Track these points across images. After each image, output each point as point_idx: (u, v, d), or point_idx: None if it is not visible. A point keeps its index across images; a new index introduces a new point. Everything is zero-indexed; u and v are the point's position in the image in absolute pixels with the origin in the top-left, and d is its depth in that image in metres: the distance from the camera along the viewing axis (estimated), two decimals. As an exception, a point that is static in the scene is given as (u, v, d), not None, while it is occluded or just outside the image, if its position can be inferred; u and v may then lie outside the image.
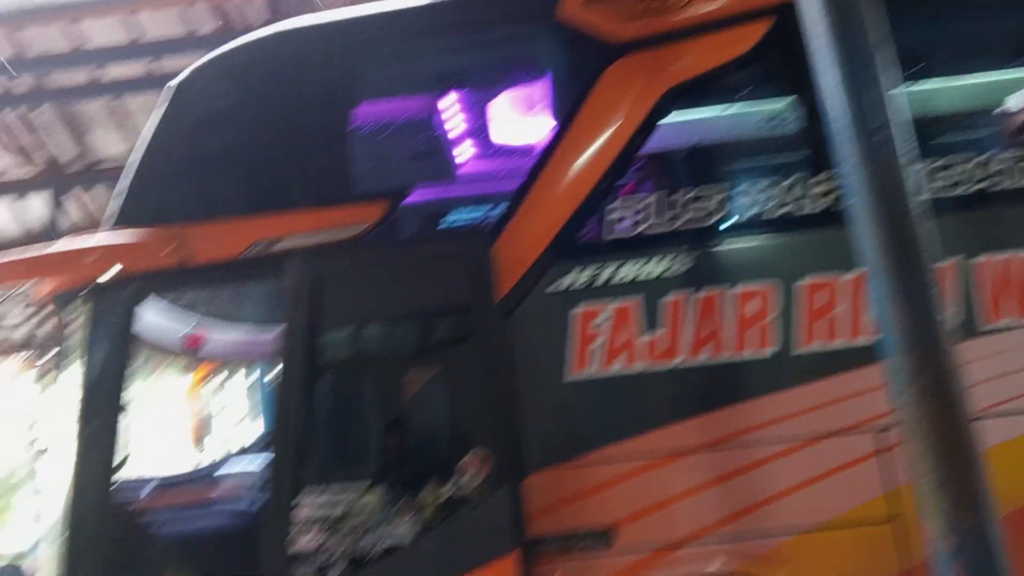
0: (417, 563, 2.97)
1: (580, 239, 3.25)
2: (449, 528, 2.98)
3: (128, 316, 3.26)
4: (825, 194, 3.12)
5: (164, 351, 4.55)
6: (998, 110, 3.37)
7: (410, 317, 3.45)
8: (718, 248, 3.18)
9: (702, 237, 3.18)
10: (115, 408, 3.23)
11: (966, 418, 2.11)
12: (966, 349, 2.51)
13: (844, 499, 2.96)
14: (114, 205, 3.45)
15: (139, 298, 3.30)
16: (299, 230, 3.26)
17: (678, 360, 3.08)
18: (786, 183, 3.16)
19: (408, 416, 3.47)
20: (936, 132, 3.28)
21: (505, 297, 3.15)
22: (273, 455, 3.10)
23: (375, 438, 3.42)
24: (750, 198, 3.20)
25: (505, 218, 3.28)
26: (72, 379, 3.26)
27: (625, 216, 3.21)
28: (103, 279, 3.22)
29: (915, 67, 3.20)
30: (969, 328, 3.00)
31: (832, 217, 3.02)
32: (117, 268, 3.18)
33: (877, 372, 2.65)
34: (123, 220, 3.38)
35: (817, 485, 2.97)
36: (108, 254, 3.21)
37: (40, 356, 13.80)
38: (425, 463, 3.23)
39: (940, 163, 3.11)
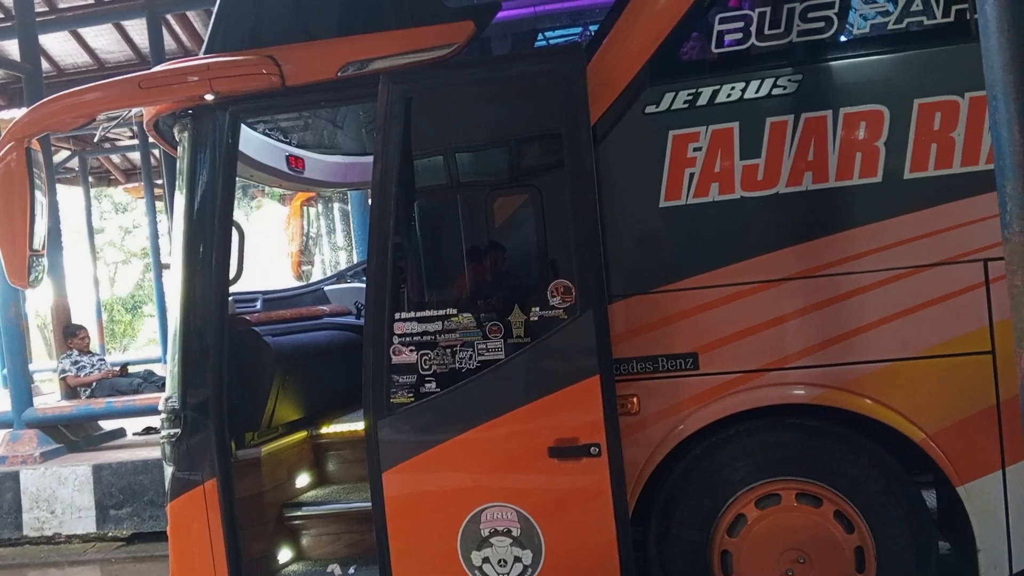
0: (508, 378, 3.11)
1: (680, 56, 3.08)
2: (537, 348, 3.08)
3: (231, 136, 3.35)
4: (950, 5, 2.83)
5: (268, 173, 4.71)
6: None
7: (502, 139, 3.43)
8: (829, 66, 2.97)
9: (810, 54, 2.96)
10: (225, 225, 3.40)
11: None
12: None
13: (942, 331, 2.89)
14: (211, 27, 3.47)
15: (239, 119, 3.38)
16: (390, 51, 3.21)
17: (777, 187, 2.98)
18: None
19: (500, 239, 3.52)
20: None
21: (600, 118, 3.06)
22: (371, 276, 3.22)
23: (468, 261, 3.50)
24: (866, 9, 2.93)
25: (601, 34, 3.13)
26: (183, 200, 3.42)
27: (728, 30, 3.01)
28: (204, 101, 3.30)
29: None
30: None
31: (953, 31, 2.77)
32: (216, 90, 3.24)
33: (986, 201, 2.49)
34: (220, 43, 3.41)
35: (914, 316, 2.90)
36: (206, 75, 3.25)
37: (154, 179, 14.53)
38: (516, 287, 3.31)
39: None
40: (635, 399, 3.08)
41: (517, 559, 3.08)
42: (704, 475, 3.11)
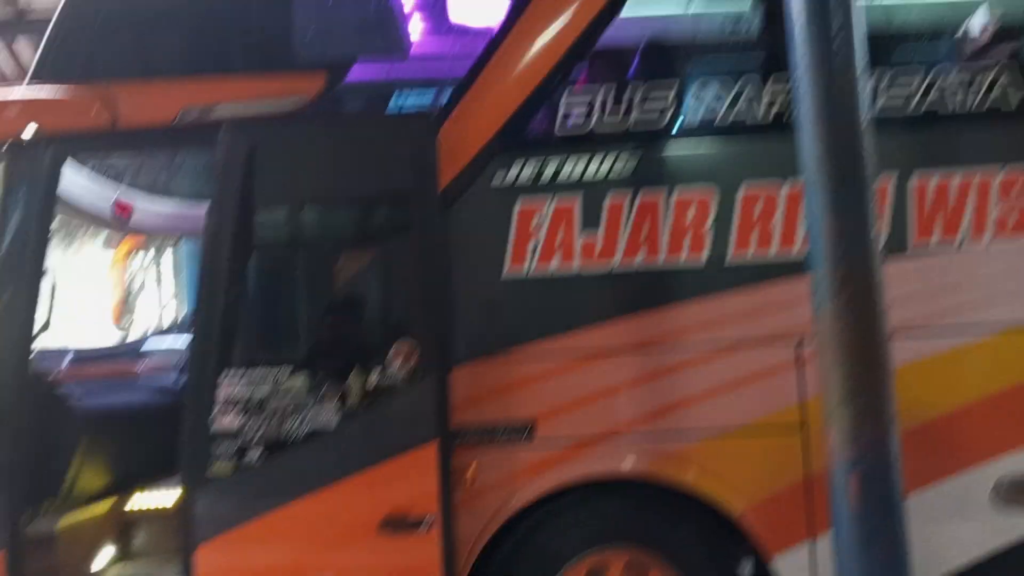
0: (338, 448, 2.99)
1: (527, 131, 3.17)
2: (372, 415, 2.99)
3: (50, 176, 3.10)
4: (772, 101, 3.09)
5: (90, 218, 4.39)
6: (959, 31, 3.34)
7: (347, 199, 3.37)
8: (664, 149, 3.14)
9: (649, 137, 3.13)
10: (35, 273, 3.12)
11: (882, 335, 2.16)
12: (893, 267, 2.55)
13: (756, 407, 3.04)
14: (39, 56, 3.23)
15: (61, 158, 3.14)
16: (235, 98, 3.11)
17: (613, 261, 3.08)
18: (736, 87, 3.11)
19: (339, 301, 3.43)
20: (891, 47, 3.23)
21: (448, 185, 3.08)
22: (198, 333, 3.04)
23: (304, 322, 3.38)
24: (699, 101, 3.15)
25: (452, 103, 3.17)
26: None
27: (574, 111, 3.14)
28: (22, 136, 3.04)
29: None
30: (899, 246, 3.05)
31: (776, 125, 3.01)
32: (36, 125, 3.00)
33: (802, 284, 2.69)
34: (46, 74, 3.17)
35: (732, 392, 3.04)
36: (27, 109, 3.02)
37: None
38: (353, 350, 3.22)
39: (890, 77, 3.09)
40: (471, 468, 3.03)
41: None
42: (535, 548, 3.07)
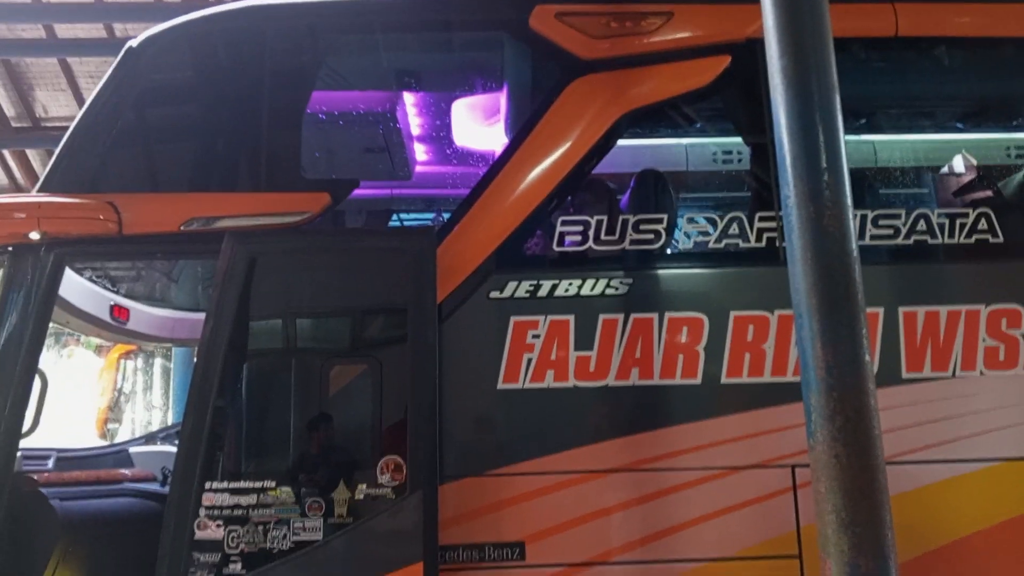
0: (323, 562, 2.91)
1: (523, 250, 3.25)
2: (358, 530, 2.92)
3: (51, 279, 3.14)
4: (762, 232, 3.18)
5: (87, 321, 4.41)
6: (942, 170, 3.49)
7: (345, 309, 3.41)
8: (656, 274, 3.21)
9: (642, 262, 3.20)
10: (28, 372, 3.12)
11: (877, 462, 2.15)
12: (886, 396, 2.57)
13: (753, 533, 2.99)
14: (51, 166, 3.33)
15: (64, 262, 3.19)
16: (239, 212, 3.19)
17: (607, 380, 3.09)
18: (728, 218, 3.21)
19: (331, 412, 3.40)
20: (877, 184, 3.37)
21: (446, 298, 3.12)
22: (184, 440, 3.01)
23: (294, 431, 3.34)
24: (692, 229, 3.24)
25: (453, 221, 3.26)
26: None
27: (570, 233, 3.22)
28: (28, 238, 3.10)
29: (863, 119, 3.31)
30: (891, 375, 3.08)
31: (767, 255, 3.09)
32: (43, 230, 3.06)
33: (796, 410, 2.70)
34: (58, 183, 3.26)
35: (727, 517, 3.00)
36: (35, 214, 3.08)
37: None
38: (341, 463, 3.17)
39: (877, 213, 3.20)
40: None
41: None
42: None
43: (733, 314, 3.13)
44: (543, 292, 3.14)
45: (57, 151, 3.32)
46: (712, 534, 2.99)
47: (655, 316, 3.13)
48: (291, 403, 3.37)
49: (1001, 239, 3.19)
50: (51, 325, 3.31)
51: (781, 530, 2.98)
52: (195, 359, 3.12)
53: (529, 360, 3.11)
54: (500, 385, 3.09)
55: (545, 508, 3.01)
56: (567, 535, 2.99)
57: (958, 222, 3.18)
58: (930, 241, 3.18)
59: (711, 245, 3.22)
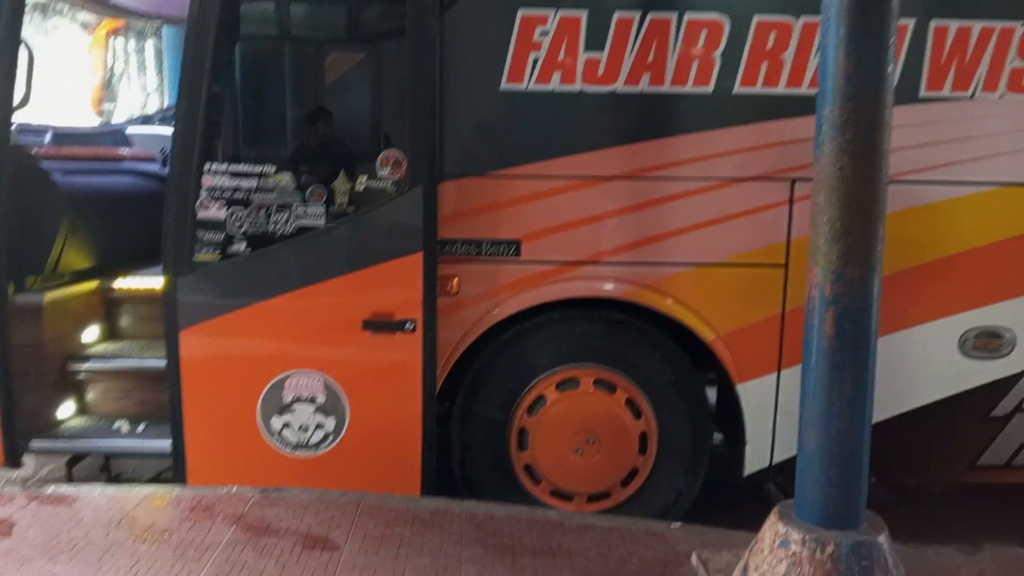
0: (326, 247, 3.01)
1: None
2: (360, 219, 3.00)
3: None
4: None
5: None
6: None
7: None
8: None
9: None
10: (12, 41, 2.99)
11: (881, 176, 2.14)
12: (901, 113, 2.50)
13: (742, 242, 3.08)
14: None
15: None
16: None
17: (615, 85, 2.99)
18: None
19: (328, 102, 3.31)
20: None
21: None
22: (180, 122, 2.96)
23: (291, 119, 3.28)
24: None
25: None
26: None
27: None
28: None
29: None
30: (910, 92, 2.98)
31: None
32: None
33: (805, 124, 2.64)
34: None
35: (720, 225, 3.06)
36: None
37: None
38: (342, 152, 3.16)
39: None
40: (455, 280, 3.08)
41: (319, 426, 3.07)
42: (511, 358, 3.20)
43: (757, 18, 2.94)
44: None
45: None
46: (703, 241, 3.07)
47: (673, 17, 2.94)
48: (287, 90, 3.27)
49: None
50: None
51: (771, 240, 3.06)
52: (185, 39, 2.98)
53: (535, 60, 2.97)
54: (504, 85, 2.99)
55: (542, 210, 3.06)
56: (562, 236, 3.07)
57: None
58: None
59: None
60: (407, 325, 2.97)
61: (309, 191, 2.98)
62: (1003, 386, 3.16)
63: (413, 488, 3.09)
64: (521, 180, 3.05)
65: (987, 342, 3.13)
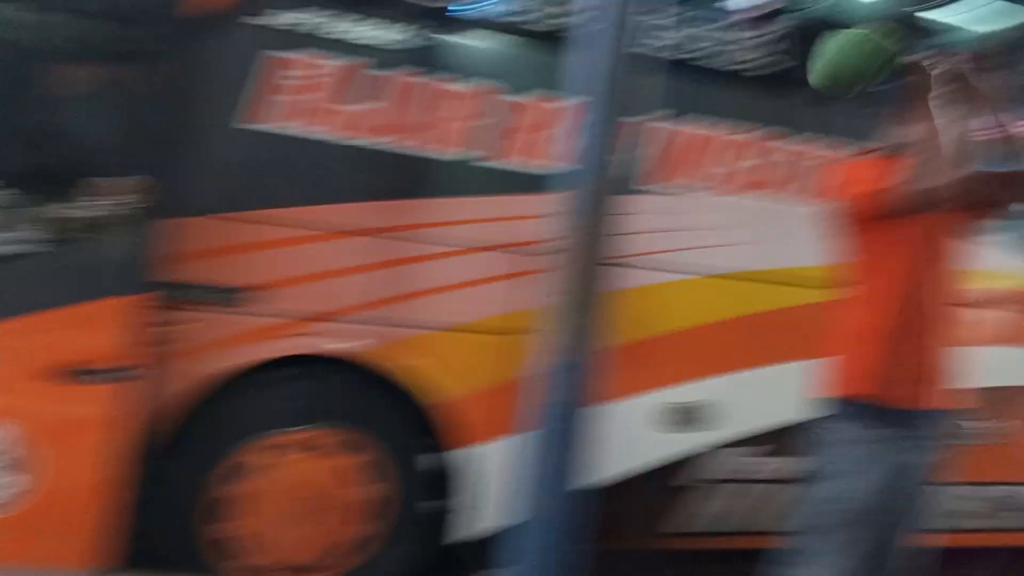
0: (25, 276, 2.65)
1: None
2: (73, 251, 2.68)
3: None
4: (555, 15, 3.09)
5: None
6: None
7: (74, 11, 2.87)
8: (442, 34, 3.04)
9: (430, 16, 3.01)
10: None
11: (605, 258, 2.30)
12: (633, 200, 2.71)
13: (475, 308, 3.13)
14: None
15: None
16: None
17: (365, 137, 2.96)
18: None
19: (54, 119, 2.96)
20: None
21: (189, 16, 2.75)
22: None
23: (12, 133, 2.88)
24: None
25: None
26: None
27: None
28: None
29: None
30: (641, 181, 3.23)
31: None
32: None
33: (547, 200, 2.78)
34: None
35: (458, 291, 3.10)
36: None
37: None
38: (62, 175, 2.81)
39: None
40: (177, 327, 2.81)
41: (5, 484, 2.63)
42: (218, 418, 2.93)
43: (515, 95, 3.08)
44: (309, 28, 2.86)
45: None
46: (436, 305, 3.08)
47: (431, 80, 2.99)
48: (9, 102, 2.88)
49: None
50: None
51: (503, 308, 3.13)
52: None
53: (283, 100, 2.87)
54: (242, 123, 2.85)
55: (282, 259, 2.92)
56: (300, 288, 2.95)
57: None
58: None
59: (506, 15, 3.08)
60: (115, 374, 2.64)
61: (20, 212, 2.61)
62: (691, 458, 3.43)
63: (103, 560, 2.72)
64: (261, 225, 2.89)
65: (684, 416, 3.42)
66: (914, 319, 2.29)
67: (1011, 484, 3.94)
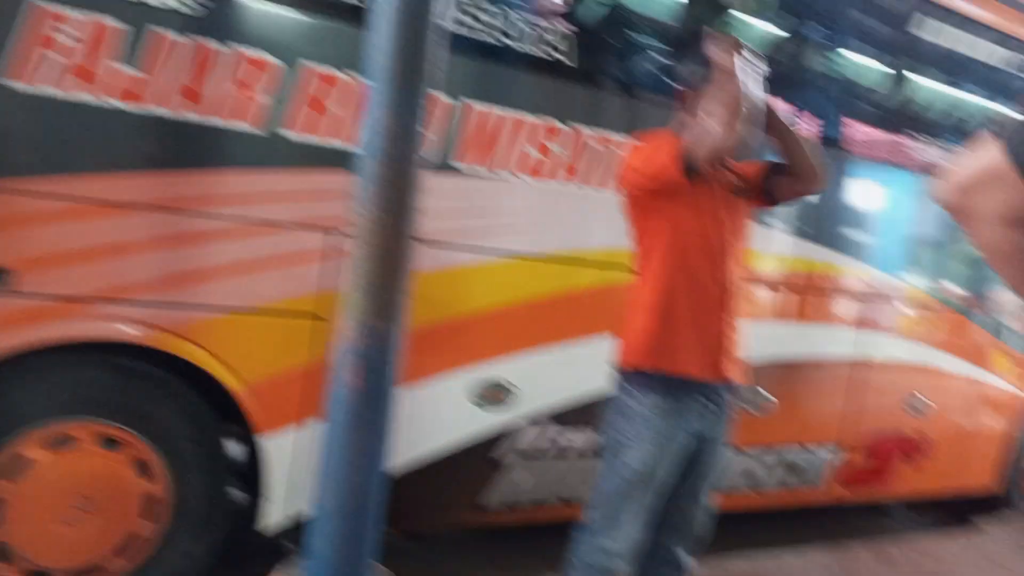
0: None
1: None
2: None
3: None
4: None
5: None
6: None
7: None
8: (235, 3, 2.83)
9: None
10: None
11: (410, 236, 2.25)
12: (432, 180, 2.66)
13: (272, 291, 2.97)
14: None
15: None
16: None
17: (145, 104, 2.70)
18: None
19: None
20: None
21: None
22: None
23: None
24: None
25: None
26: None
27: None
28: None
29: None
30: (440, 162, 3.22)
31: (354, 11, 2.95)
32: None
33: (344, 178, 2.67)
34: None
35: (254, 272, 2.93)
36: None
37: None
38: None
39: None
40: None
41: None
42: None
43: (305, 65, 2.93)
44: None
45: None
46: (233, 286, 2.90)
47: (218, 45, 2.78)
48: None
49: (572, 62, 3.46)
50: None
51: (303, 290, 3.02)
52: None
53: (50, 57, 2.55)
54: (7, 77, 2.51)
55: (42, 235, 2.60)
56: (67, 268, 2.64)
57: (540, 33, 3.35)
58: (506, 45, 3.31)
59: None
60: None
61: None
62: (504, 433, 3.50)
63: None
64: (14, 196, 2.56)
65: (494, 393, 3.46)
66: (689, 294, 2.45)
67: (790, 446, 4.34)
